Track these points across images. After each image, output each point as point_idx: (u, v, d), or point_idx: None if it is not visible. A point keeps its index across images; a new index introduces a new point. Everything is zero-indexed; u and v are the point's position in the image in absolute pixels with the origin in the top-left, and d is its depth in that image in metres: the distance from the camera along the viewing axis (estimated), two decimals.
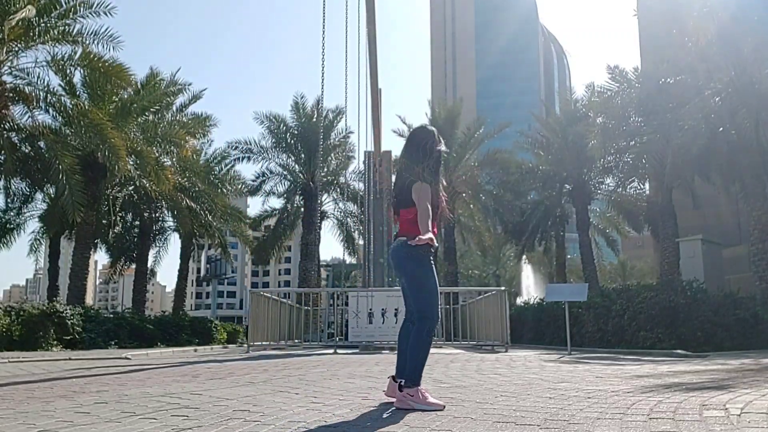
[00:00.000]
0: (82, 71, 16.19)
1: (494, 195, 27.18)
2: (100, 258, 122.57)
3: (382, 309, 11.29)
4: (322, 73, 10.39)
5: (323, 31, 9.99)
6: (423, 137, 3.57)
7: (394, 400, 3.34)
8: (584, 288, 11.65)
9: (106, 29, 15.69)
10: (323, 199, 27.26)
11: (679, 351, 9.85)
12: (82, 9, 15.45)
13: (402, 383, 3.29)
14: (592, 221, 27.02)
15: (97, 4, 15.54)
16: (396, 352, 3.66)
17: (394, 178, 3.68)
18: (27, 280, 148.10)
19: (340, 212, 28.45)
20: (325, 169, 26.74)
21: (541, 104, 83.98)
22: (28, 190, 20.53)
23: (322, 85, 10.74)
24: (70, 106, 16.21)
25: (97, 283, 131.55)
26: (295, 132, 26.35)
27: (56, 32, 15.17)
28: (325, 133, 26.04)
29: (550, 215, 27.06)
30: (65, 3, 15.29)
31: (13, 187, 19.38)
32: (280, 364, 7.11)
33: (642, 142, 17.60)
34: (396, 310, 11.07)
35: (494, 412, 3.02)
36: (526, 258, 34.36)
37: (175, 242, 39.49)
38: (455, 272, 27.30)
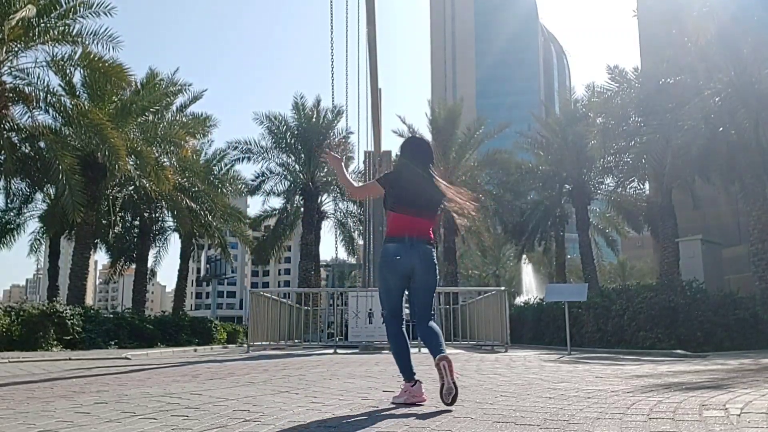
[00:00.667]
0: (82, 71, 16.19)
1: (494, 195, 27.18)
2: (100, 258, 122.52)
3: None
4: (332, 73, 10.42)
5: (332, 32, 10.02)
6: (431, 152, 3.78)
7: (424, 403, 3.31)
8: (584, 288, 11.65)
9: (106, 29, 15.72)
10: (323, 199, 27.28)
11: (678, 351, 9.85)
12: (82, 9, 15.46)
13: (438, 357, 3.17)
14: (591, 221, 27.01)
15: (97, 4, 15.56)
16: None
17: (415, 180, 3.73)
18: (27, 280, 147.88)
19: (340, 212, 28.47)
20: (325, 169, 26.74)
21: (540, 104, 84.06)
22: (28, 190, 20.53)
23: (332, 85, 10.80)
24: (70, 106, 16.21)
25: (97, 283, 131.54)
26: (295, 132, 26.35)
27: (56, 32, 15.16)
28: (325, 132, 26.05)
29: (550, 215, 27.08)
30: (65, 3, 15.28)
31: (13, 187, 19.38)
32: (280, 364, 7.12)
33: (642, 142, 17.58)
34: None
35: (494, 412, 3.02)
36: (526, 258, 34.37)
37: (175, 242, 39.43)
38: (455, 272, 27.30)
